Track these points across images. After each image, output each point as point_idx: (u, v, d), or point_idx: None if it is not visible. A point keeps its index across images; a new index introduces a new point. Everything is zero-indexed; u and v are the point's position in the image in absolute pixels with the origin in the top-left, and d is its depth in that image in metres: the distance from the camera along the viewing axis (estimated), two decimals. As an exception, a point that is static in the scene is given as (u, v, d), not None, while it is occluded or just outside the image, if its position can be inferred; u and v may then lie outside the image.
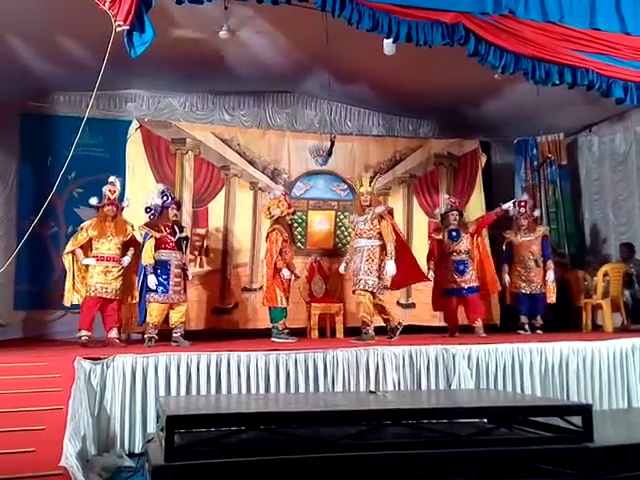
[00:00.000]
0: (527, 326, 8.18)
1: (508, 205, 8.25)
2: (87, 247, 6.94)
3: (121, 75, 7.56)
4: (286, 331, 7.16)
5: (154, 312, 6.70)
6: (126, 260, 6.94)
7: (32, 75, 7.89)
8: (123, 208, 7.08)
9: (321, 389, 5.80)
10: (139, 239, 6.96)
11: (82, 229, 6.98)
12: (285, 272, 7.07)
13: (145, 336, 6.70)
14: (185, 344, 6.57)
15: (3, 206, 8.60)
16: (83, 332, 6.73)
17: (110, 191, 6.96)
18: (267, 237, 7.35)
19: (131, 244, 7.04)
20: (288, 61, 8.27)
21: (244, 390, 5.62)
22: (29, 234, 5.87)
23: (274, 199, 7.52)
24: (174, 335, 6.74)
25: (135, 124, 8.34)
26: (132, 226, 7.06)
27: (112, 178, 7.05)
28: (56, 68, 7.86)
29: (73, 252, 6.90)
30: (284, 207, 7.35)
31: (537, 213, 8.78)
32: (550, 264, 8.31)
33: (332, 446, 3.82)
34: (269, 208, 7.42)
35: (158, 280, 6.69)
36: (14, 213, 8.60)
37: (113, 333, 6.87)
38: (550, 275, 8.24)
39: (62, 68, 7.85)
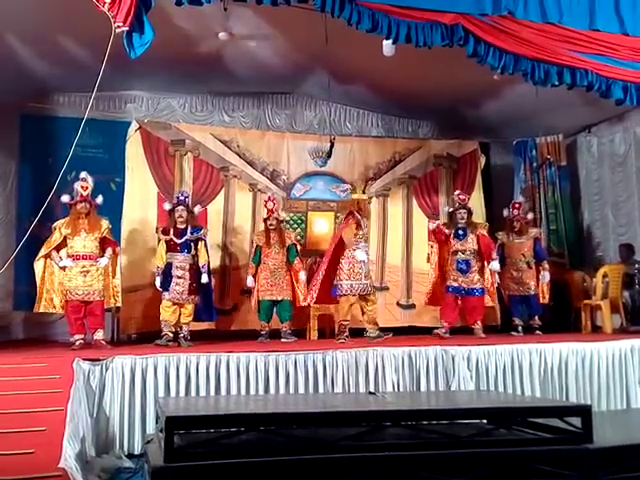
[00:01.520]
0: (520, 328, 8.13)
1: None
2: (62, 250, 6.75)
3: (121, 76, 7.56)
4: (287, 331, 7.38)
5: (162, 311, 6.89)
6: (103, 261, 6.74)
7: (32, 76, 7.90)
8: (97, 205, 6.86)
9: (320, 390, 5.80)
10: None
11: (55, 229, 6.75)
12: (248, 280, 7.54)
13: (162, 333, 6.79)
14: (184, 345, 6.61)
15: (3, 207, 8.60)
16: (77, 337, 6.60)
17: (82, 187, 6.74)
18: None
19: (108, 244, 6.87)
20: (287, 62, 8.27)
21: (243, 391, 5.63)
22: (29, 235, 5.87)
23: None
24: (179, 336, 6.81)
25: (134, 125, 8.34)
26: (107, 223, 6.90)
27: (83, 174, 6.82)
28: (56, 69, 7.87)
29: (48, 255, 6.69)
30: (264, 213, 7.72)
31: (530, 216, 8.68)
32: (545, 265, 8.28)
33: (332, 447, 3.82)
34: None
35: (163, 280, 6.90)
36: (14, 214, 8.61)
37: (99, 335, 6.74)
38: (545, 276, 8.21)
39: (62, 69, 7.85)
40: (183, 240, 6.98)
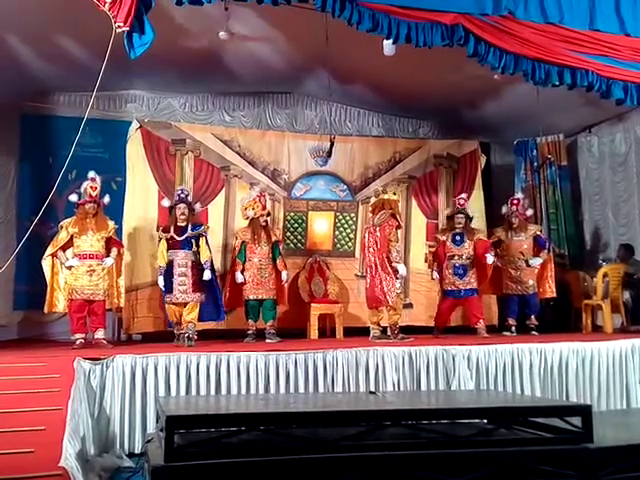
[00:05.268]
0: (514, 328, 8.10)
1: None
2: (67, 249, 6.77)
3: (121, 76, 7.56)
4: (271, 332, 7.27)
5: (169, 312, 6.88)
6: (109, 261, 6.76)
7: (32, 76, 7.89)
8: (105, 205, 6.89)
9: (321, 389, 5.81)
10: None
11: (62, 228, 6.76)
12: (238, 276, 7.29)
13: (181, 336, 6.77)
14: (187, 344, 6.58)
15: (3, 206, 8.57)
16: (77, 335, 6.59)
17: (91, 187, 6.74)
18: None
19: (113, 244, 6.89)
20: (288, 62, 8.27)
21: (244, 390, 5.63)
22: (29, 234, 5.87)
23: (251, 200, 7.63)
24: (184, 335, 6.75)
25: (135, 125, 8.34)
26: (113, 223, 6.92)
27: (92, 174, 6.81)
28: (56, 68, 7.86)
29: (54, 255, 6.70)
30: (258, 209, 7.49)
31: (530, 212, 8.59)
32: (543, 253, 8.18)
33: (332, 447, 3.82)
34: (246, 209, 7.58)
35: (165, 280, 6.83)
36: (14, 213, 8.59)
37: (100, 334, 6.76)
38: (536, 259, 8.10)
39: (62, 68, 7.84)
40: (184, 237, 6.93)
